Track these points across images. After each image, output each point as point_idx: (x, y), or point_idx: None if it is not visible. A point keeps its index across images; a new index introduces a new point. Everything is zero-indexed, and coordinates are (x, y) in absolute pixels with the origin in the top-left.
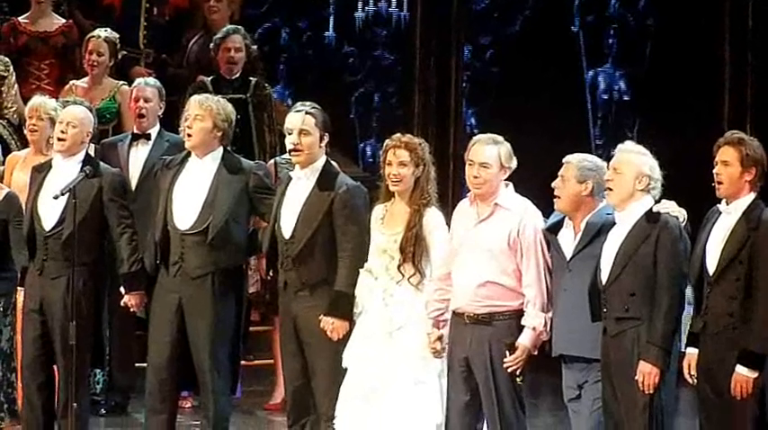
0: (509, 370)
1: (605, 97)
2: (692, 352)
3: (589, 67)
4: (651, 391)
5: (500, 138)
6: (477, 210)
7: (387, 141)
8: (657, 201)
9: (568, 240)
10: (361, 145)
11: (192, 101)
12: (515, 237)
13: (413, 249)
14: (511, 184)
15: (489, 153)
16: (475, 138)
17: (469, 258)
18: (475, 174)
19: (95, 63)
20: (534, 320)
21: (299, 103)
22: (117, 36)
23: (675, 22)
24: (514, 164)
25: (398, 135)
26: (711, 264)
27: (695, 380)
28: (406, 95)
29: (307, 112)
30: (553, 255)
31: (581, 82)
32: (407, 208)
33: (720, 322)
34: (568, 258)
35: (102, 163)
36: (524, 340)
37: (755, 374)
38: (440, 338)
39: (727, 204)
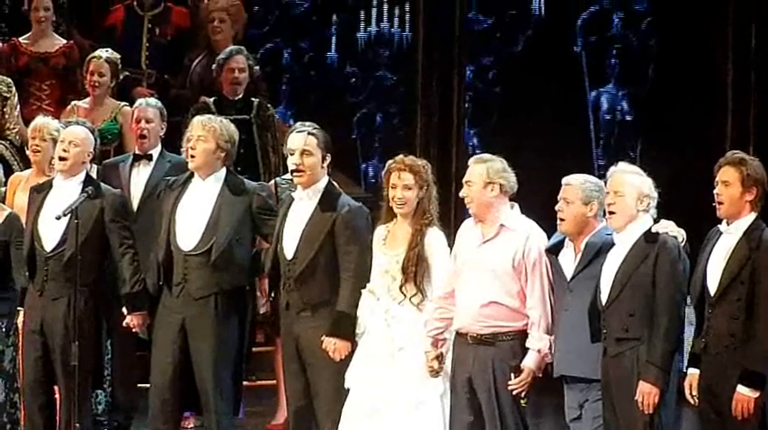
0: (514, 393)
1: (608, 117)
2: (694, 372)
3: (591, 87)
4: (651, 411)
5: (490, 156)
6: (481, 231)
7: (389, 163)
8: (656, 221)
9: (569, 261)
10: (364, 165)
11: (194, 122)
12: (520, 258)
13: (415, 269)
14: (516, 206)
15: (472, 170)
16: (471, 159)
17: (473, 278)
18: (462, 194)
19: (97, 84)
20: (539, 343)
21: (299, 124)
22: (118, 57)
23: (678, 43)
24: (507, 179)
25: (401, 157)
26: (712, 285)
27: (697, 401)
28: (409, 116)
29: (309, 133)
30: (554, 276)
31: (583, 102)
32: (409, 228)
33: (722, 342)
34: (569, 279)
35: (103, 184)
36: (529, 362)
37: (757, 394)
38: (438, 357)
39: (728, 224)
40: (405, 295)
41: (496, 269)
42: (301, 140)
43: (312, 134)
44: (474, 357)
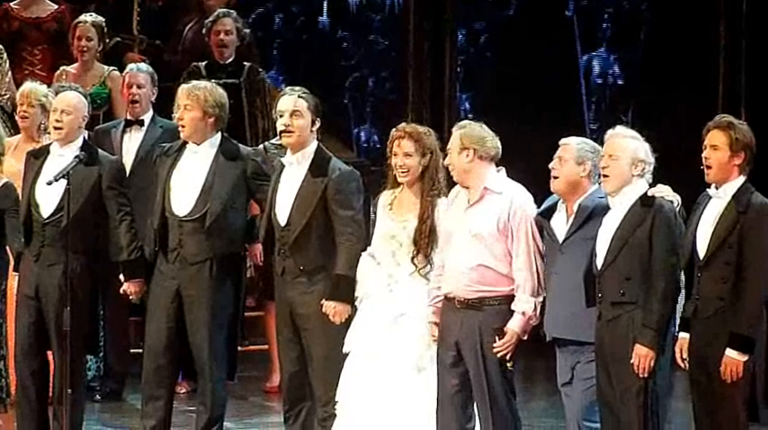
0: (498, 355)
1: (599, 82)
2: (684, 336)
3: (583, 51)
4: (646, 375)
5: (468, 122)
6: (467, 196)
7: (392, 131)
8: (651, 185)
9: (561, 224)
10: (355, 130)
11: (180, 90)
12: (506, 220)
13: (427, 241)
14: (503, 170)
15: (452, 138)
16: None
17: (460, 243)
18: (446, 162)
19: (85, 48)
20: (524, 305)
21: (288, 88)
22: (103, 20)
23: (669, 7)
24: (483, 144)
25: (403, 125)
26: (701, 249)
27: (687, 365)
28: (401, 80)
29: (299, 96)
30: (546, 240)
31: (575, 66)
32: (416, 197)
33: (711, 306)
34: (561, 241)
35: (100, 150)
36: (513, 325)
37: (745, 357)
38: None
39: (717, 188)
40: (416, 266)
41: (482, 233)
42: (291, 102)
43: (302, 97)
44: (461, 322)
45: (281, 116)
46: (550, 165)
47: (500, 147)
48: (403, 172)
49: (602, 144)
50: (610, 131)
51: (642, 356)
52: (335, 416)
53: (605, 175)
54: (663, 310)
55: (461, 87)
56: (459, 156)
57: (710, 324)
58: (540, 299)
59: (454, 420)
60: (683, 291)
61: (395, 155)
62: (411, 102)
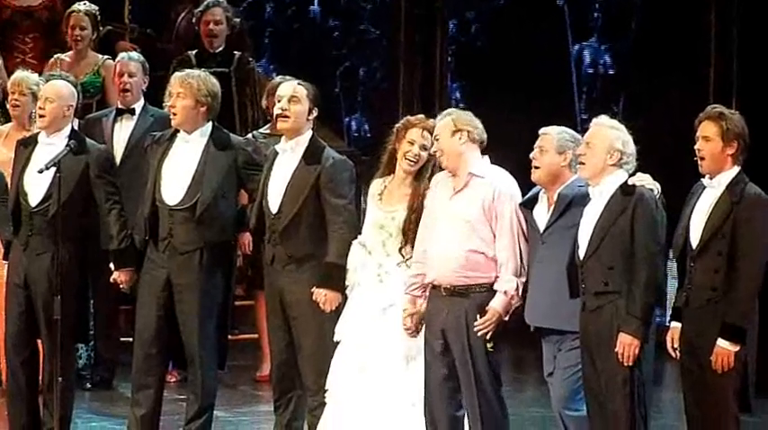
0: (479, 334)
1: (590, 71)
2: (676, 326)
3: (574, 41)
4: (631, 363)
5: (453, 110)
6: (452, 183)
7: (411, 119)
8: (632, 175)
9: (542, 213)
10: (347, 119)
11: (173, 78)
12: (490, 203)
13: (416, 231)
14: (487, 158)
15: (438, 125)
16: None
17: (446, 230)
18: (433, 150)
19: (79, 38)
20: (506, 284)
21: (279, 77)
22: (97, 8)
23: None
24: (475, 126)
25: (423, 116)
26: (695, 239)
27: (678, 354)
28: (392, 70)
29: (299, 83)
30: (528, 231)
31: (566, 56)
32: (408, 188)
33: (703, 296)
34: (542, 231)
35: (88, 139)
36: (495, 304)
37: (737, 347)
38: (412, 315)
39: (711, 178)
40: (403, 256)
41: (468, 218)
42: (290, 88)
43: (302, 84)
44: (448, 309)
45: (278, 101)
46: (531, 155)
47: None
48: (414, 161)
49: None
50: (594, 120)
51: (627, 345)
52: (325, 404)
53: (581, 163)
54: (647, 299)
55: (452, 77)
56: (451, 140)
57: (702, 314)
58: (523, 279)
59: (443, 408)
60: (672, 281)
61: (410, 143)
62: (402, 91)
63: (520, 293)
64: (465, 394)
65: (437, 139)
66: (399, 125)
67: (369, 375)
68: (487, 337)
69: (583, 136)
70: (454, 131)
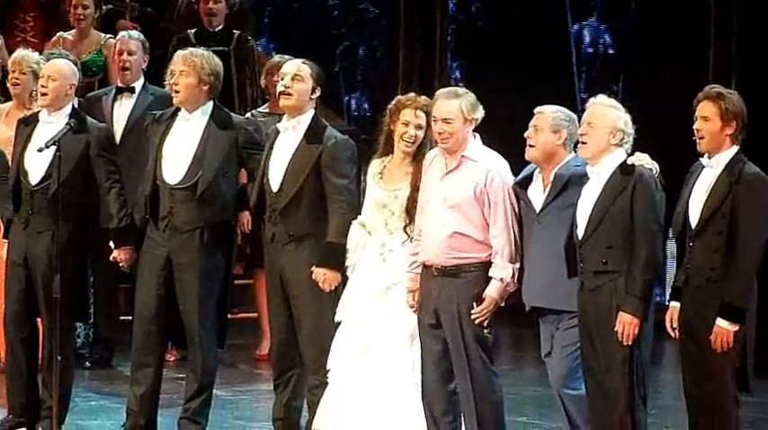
0: (476, 322)
1: (590, 51)
2: (675, 305)
3: (574, 20)
4: (630, 342)
5: (462, 90)
6: (444, 163)
7: (402, 98)
8: (630, 155)
9: (538, 193)
10: (346, 98)
11: (176, 56)
12: (482, 187)
13: None
14: (478, 136)
15: (450, 108)
16: (437, 93)
17: (437, 210)
18: (439, 131)
19: (82, 16)
20: (502, 271)
21: (278, 56)
22: None
23: None
24: (480, 114)
25: (413, 95)
26: (694, 218)
27: (677, 334)
28: (391, 49)
29: (303, 62)
30: (523, 209)
31: (566, 36)
32: (408, 167)
33: (702, 276)
34: (538, 211)
35: (88, 118)
36: (491, 291)
37: (736, 327)
38: (415, 293)
39: (710, 158)
40: (408, 235)
41: (459, 200)
42: (294, 66)
43: (306, 63)
44: (439, 289)
45: (282, 78)
46: (526, 134)
47: None
48: (411, 142)
49: None
50: (591, 99)
51: (627, 324)
52: (326, 384)
53: (583, 142)
54: (646, 278)
55: (452, 56)
56: (463, 126)
57: (701, 293)
58: (518, 265)
59: (437, 381)
60: (672, 261)
61: (405, 124)
62: (402, 70)
63: (515, 280)
64: (457, 372)
65: (449, 122)
66: (391, 106)
67: (372, 356)
68: (484, 325)
69: (582, 115)
70: (466, 120)
